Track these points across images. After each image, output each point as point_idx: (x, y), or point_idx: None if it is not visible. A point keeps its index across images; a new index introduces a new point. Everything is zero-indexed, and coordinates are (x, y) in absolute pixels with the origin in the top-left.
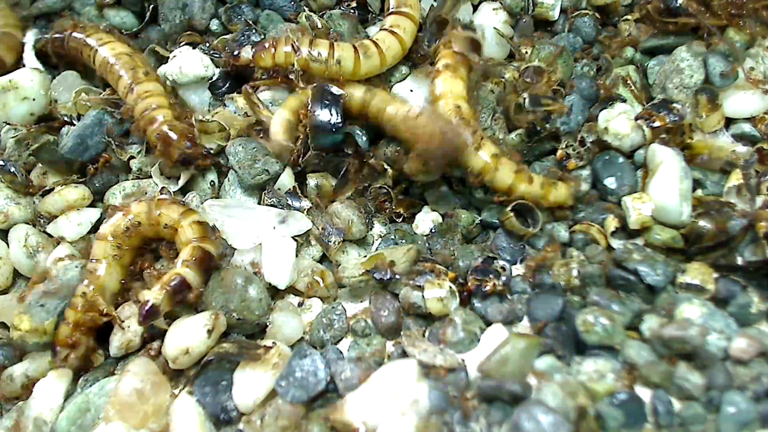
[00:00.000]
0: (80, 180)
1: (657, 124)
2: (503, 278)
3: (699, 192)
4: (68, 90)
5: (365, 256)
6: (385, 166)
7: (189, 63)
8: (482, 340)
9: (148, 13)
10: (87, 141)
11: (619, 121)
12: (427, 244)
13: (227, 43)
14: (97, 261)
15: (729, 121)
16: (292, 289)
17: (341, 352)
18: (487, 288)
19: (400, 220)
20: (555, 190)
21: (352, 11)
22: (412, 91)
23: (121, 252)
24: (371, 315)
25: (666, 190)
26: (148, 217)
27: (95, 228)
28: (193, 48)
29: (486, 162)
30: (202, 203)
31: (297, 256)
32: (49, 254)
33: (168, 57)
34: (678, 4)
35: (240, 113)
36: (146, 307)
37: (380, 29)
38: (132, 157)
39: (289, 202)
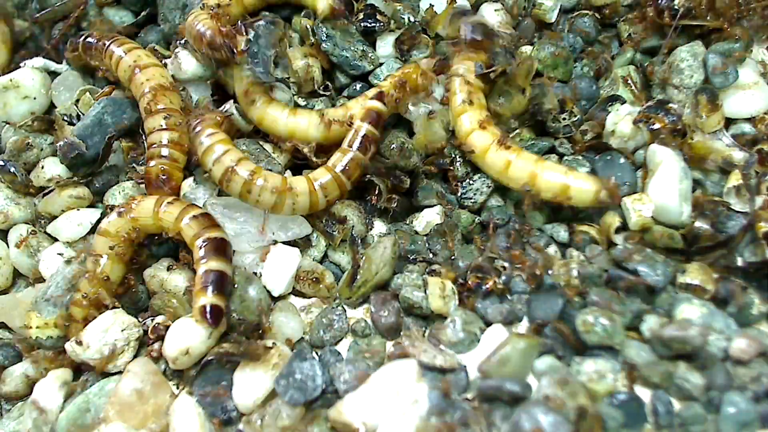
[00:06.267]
0: (80, 180)
1: (657, 126)
2: (503, 278)
3: (699, 192)
4: (68, 90)
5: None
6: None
7: (188, 60)
8: (482, 340)
9: (143, 14)
10: (87, 141)
11: (625, 124)
12: (427, 245)
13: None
14: (99, 255)
15: (729, 121)
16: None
17: (340, 354)
18: (488, 286)
19: (390, 214)
20: None
21: (360, 23)
22: None
23: (122, 247)
24: (371, 315)
25: (666, 191)
26: (148, 215)
27: (95, 228)
28: None
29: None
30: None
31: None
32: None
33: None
34: (676, 5)
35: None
36: (215, 312)
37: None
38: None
39: None
